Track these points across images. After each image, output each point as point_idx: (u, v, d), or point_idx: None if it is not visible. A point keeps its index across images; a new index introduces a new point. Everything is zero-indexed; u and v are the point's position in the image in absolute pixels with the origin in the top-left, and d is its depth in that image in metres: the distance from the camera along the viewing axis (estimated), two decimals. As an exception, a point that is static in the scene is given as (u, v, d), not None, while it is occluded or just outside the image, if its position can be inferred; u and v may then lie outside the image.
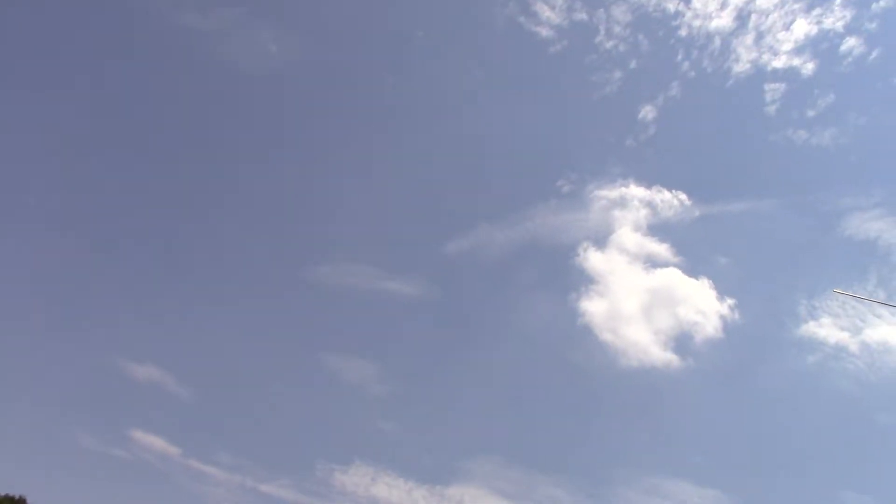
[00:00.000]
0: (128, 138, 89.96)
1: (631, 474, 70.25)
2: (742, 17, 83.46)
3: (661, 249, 78.10)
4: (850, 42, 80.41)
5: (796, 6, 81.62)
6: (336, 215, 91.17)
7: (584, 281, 78.31)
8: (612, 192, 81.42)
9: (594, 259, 78.99)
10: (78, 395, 74.14)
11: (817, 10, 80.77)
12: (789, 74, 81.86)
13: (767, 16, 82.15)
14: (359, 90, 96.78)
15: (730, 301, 74.59)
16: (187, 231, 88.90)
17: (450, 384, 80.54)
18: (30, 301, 78.86)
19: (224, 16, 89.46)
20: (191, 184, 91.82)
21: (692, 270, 77.85)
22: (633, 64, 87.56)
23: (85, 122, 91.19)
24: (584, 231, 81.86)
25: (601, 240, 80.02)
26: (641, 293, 78.06)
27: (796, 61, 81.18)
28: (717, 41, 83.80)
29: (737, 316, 74.97)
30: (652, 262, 78.01)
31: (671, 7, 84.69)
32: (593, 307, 77.41)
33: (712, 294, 75.37)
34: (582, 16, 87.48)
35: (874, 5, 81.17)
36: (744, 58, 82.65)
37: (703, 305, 74.88)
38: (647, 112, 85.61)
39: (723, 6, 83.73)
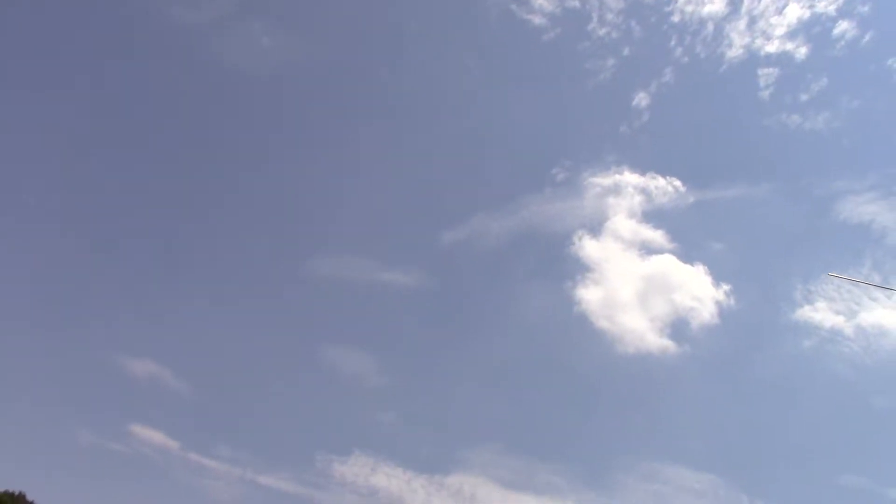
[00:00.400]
0: (123, 135, 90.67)
1: (629, 460, 70.65)
2: (734, 2, 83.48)
3: (656, 236, 78.31)
4: (843, 25, 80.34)
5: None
6: (331, 208, 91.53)
7: (579, 269, 78.66)
8: (606, 180, 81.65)
9: (589, 247, 79.24)
10: (77, 391, 74.96)
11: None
12: (782, 59, 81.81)
13: (760, 0, 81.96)
14: (352, 82, 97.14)
15: (725, 287, 74.96)
16: (184, 226, 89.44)
17: (447, 374, 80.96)
18: (29, 298, 79.55)
19: (216, 9, 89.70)
20: (187, 179, 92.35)
21: (687, 257, 78.19)
22: (626, 51, 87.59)
23: (81, 120, 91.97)
24: (579, 219, 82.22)
25: (596, 227, 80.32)
26: (637, 280, 78.34)
27: (789, 46, 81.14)
28: (710, 26, 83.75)
29: (732, 301, 75.26)
30: (647, 249, 78.26)
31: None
32: (589, 295, 77.69)
33: (707, 280, 75.70)
34: (574, 3, 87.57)
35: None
36: (737, 43, 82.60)
37: (698, 291, 75.17)
38: (641, 99, 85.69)
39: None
